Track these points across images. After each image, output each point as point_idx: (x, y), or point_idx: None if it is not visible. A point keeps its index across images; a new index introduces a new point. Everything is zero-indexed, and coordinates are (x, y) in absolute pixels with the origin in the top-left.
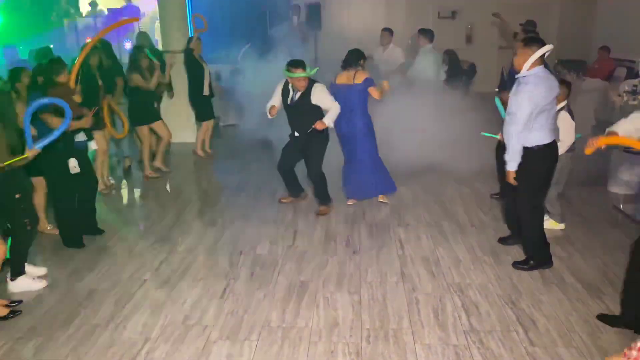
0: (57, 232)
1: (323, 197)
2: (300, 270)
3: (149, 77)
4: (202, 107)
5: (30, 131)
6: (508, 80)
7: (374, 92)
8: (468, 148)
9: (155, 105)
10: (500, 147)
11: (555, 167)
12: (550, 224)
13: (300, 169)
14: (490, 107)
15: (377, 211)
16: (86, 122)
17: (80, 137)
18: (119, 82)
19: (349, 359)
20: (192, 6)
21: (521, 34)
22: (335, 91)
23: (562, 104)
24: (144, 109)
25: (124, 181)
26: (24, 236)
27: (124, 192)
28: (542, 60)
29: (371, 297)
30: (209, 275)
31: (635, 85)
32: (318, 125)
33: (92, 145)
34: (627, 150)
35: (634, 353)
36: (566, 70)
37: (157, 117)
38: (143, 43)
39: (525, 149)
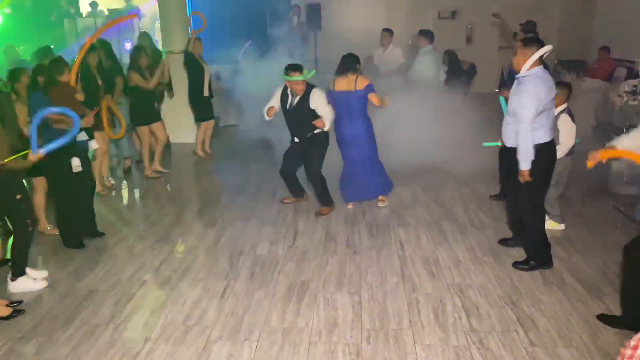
0: (57, 232)
1: (324, 198)
2: (300, 270)
3: (148, 77)
4: (201, 108)
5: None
6: (508, 80)
7: (374, 98)
8: (468, 148)
9: (156, 105)
10: (504, 149)
11: (554, 166)
12: (550, 225)
13: (300, 172)
14: (491, 107)
15: (377, 211)
16: (87, 121)
17: (82, 136)
18: (118, 82)
19: (349, 359)
20: (192, 6)
21: (521, 34)
22: (335, 97)
23: (563, 107)
24: (145, 109)
25: (124, 182)
26: (25, 236)
27: (124, 193)
28: (541, 61)
29: (371, 297)
30: (209, 275)
31: (635, 86)
32: (318, 123)
33: (93, 145)
34: None
35: (628, 352)
36: (566, 71)
37: (157, 117)
38: (144, 43)
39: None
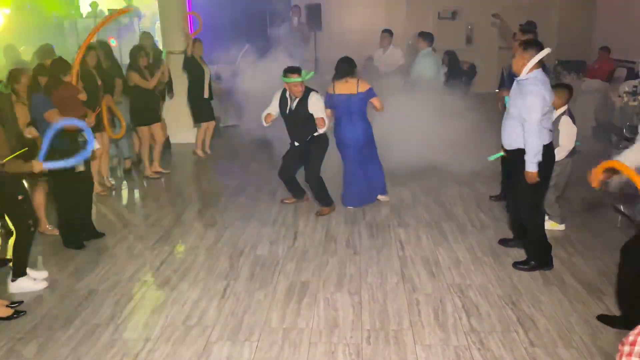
0: (57, 232)
1: (323, 199)
2: (300, 270)
3: (148, 77)
4: (200, 110)
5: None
6: (508, 80)
7: (377, 102)
8: (468, 149)
9: (161, 103)
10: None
11: (553, 167)
12: (550, 225)
13: (300, 173)
14: (491, 107)
15: (377, 212)
16: (89, 122)
17: (82, 136)
18: (117, 84)
19: None
20: (192, 7)
21: (519, 34)
22: (336, 101)
23: (564, 109)
24: (145, 109)
25: (124, 182)
26: (27, 237)
27: (124, 193)
28: (540, 63)
29: (371, 297)
30: (209, 275)
31: (636, 86)
32: (319, 122)
33: (95, 145)
34: None
35: (626, 348)
36: (566, 71)
37: (157, 118)
38: (145, 43)
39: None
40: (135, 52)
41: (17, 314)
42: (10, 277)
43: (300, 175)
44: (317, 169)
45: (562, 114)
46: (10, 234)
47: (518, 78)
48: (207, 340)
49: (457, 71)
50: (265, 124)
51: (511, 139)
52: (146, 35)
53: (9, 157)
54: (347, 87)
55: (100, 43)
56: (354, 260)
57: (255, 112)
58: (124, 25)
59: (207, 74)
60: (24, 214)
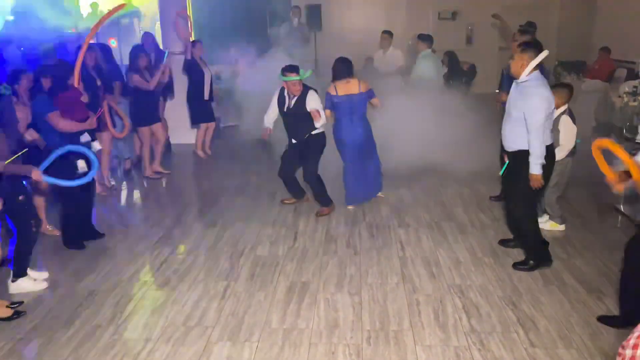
0: (57, 233)
1: (322, 198)
2: (300, 271)
3: (148, 78)
4: (198, 111)
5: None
6: (506, 80)
7: (377, 103)
8: (468, 149)
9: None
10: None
11: (553, 168)
12: (550, 225)
13: (299, 173)
14: (491, 108)
15: (377, 212)
16: (90, 124)
17: (84, 137)
18: (117, 87)
19: None
20: (192, 7)
21: (517, 35)
22: (339, 102)
23: (564, 108)
24: (145, 110)
25: (125, 182)
26: (28, 237)
27: (125, 193)
28: (538, 65)
29: (372, 298)
30: (210, 276)
31: (636, 87)
32: (315, 115)
33: (96, 146)
34: None
35: (629, 352)
36: (566, 72)
37: (157, 118)
38: (147, 44)
39: (527, 151)
40: (135, 53)
41: (17, 314)
42: (10, 277)
43: (299, 175)
44: (314, 167)
45: (562, 113)
46: (10, 234)
47: (518, 80)
48: (208, 341)
49: (457, 72)
50: (264, 138)
51: (513, 141)
52: (148, 36)
53: (9, 160)
54: (349, 87)
55: (101, 47)
56: (354, 260)
57: (255, 112)
58: (124, 25)
59: (208, 75)
60: (25, 215)
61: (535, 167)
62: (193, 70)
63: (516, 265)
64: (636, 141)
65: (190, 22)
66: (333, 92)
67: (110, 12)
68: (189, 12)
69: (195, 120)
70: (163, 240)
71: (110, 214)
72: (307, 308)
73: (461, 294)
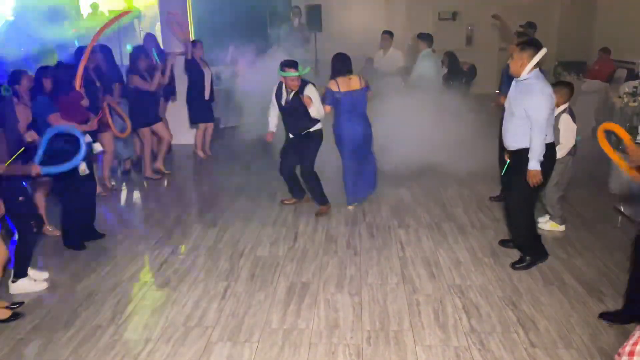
0: (57, 233)
1: (318, 196)
2: (300, 271)
3: (148, 79)
4: (197, 110)
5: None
6: (506, 81)
7: (371, 93)
8: (468, 150)
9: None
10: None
11: (554, 167)
12: (551, 226)
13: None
14: (491, 108)
15: (377, 212)
16: (91, 126)
17: (86, 139)
18: (116, 88)
19: None
20: (192, 8)
21: (514, 39)
22: (343, 98)
23: (564, 107)
24: (145, 111)
25: (125, 183)
26: (29, 238)
27: (125, 194)
28: (538, 64)
29: (372, 298)
30: (210, 276)
31: (636, 87)
32: (306, 100)
33: (97, 147)
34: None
35: (625, 359)
36: (566, 72)
37: (157, 118)
38: (149, 45)
39: (529, 149)
40: (136, 54)
41: (15, 316)
42: (11, 277)
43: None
44: (311, 164)
45: (563, 112)
46: (10, 234)
47: (519, 78)
48: (208, 341)
49: (457, 72)
50: (267, 140)
51: (515, 140)
52: (150, 37)
53: (9, 161)
54: (352, 83)
55: (101, 47)
56: (354, 261)
57: (255, 112)
58: (124, 26)
59: (208, 75)
60: (25, 215)
61: (534, 163)
62: (193, 70)
63: (514, 265)
64: (636, 142)
65: (190, 21)
66: (335, 88)
67: (116, 18)
68: (189, 11)
69: (195, 120)
70: (163, 241)
71: (110, 215)
72: (307, 308)
73: (461, 294)
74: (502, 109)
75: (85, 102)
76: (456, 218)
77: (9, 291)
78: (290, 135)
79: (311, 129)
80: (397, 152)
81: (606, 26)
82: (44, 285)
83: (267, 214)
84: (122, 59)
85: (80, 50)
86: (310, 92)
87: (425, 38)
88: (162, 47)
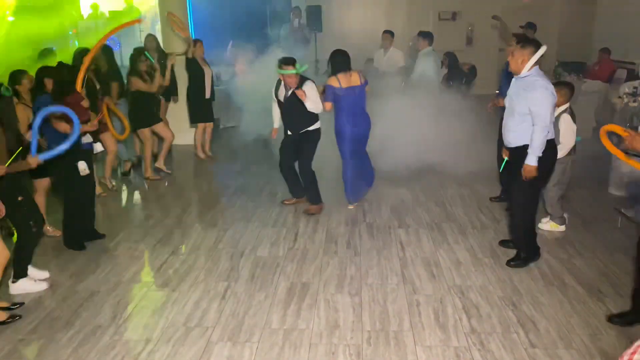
0: (57, 233)
1: (312, 194)
2: (301, 271)
3: (148, 80)
4: (197, 110)
5: (37, 139)
6: (506, 80)
7: (368, 88)
8: (468, 150)
9: (164, 101)
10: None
11: (554, 164)
12: (551, 226)
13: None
14: (488, 108)
15: (377, 213)
16: (92, 126)
17: (86, 139)
18: (113, 87)
19: None
20: (192, 8)
21: (513, 41)
22: (345, 95)
23: (565, 107)
24: (144, 112)
25: (125, 183)
26: (29, 238)
27: (125, 194)
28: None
29: (372, 298)
30: (210, 276)
31: (636, 87)
32: (300, 93)
33: (98, 148)
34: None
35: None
36: (566, 73)
37: (157, 119)
38: (150, 46)
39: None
40: (136, 56)
41: (12, 318)
42: (11, 278)
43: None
44: (309, 162)
45: (563, 112)
46: (10, 234)
47: (520, 75)
48: (208, 341)
49: (457, 73)
50: (274, 137)
51: (516, 137)
52: (150, 38)
53: (9, 161)
54: (352, 79)
55: (103, 47)
56: (354, 261)
57: (254, 112)
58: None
59: (209, 75)
60: (25, 215)
61: (532, 159)
62: (193, 69)
63: (509, 262)
64: None
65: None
66: (336, 85)
67: (125, 25)
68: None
69: (194, 120)
70: (163, 241)
71: (110, 215)
72: (308, 309)
73: (461, 295)
74: (501, 109)
75: (85, 103)
76: (456, 218)
77: (9, 291)
78: (289, 132)
79: (310, 128)
80: (398, 152)
81: (606, 26)
82: (45, 285)
83: (267, 214)
84: (122, 59)
85: (80, 51)
86: (309, 88)
87: (426, 36)
88: (162, 47)
